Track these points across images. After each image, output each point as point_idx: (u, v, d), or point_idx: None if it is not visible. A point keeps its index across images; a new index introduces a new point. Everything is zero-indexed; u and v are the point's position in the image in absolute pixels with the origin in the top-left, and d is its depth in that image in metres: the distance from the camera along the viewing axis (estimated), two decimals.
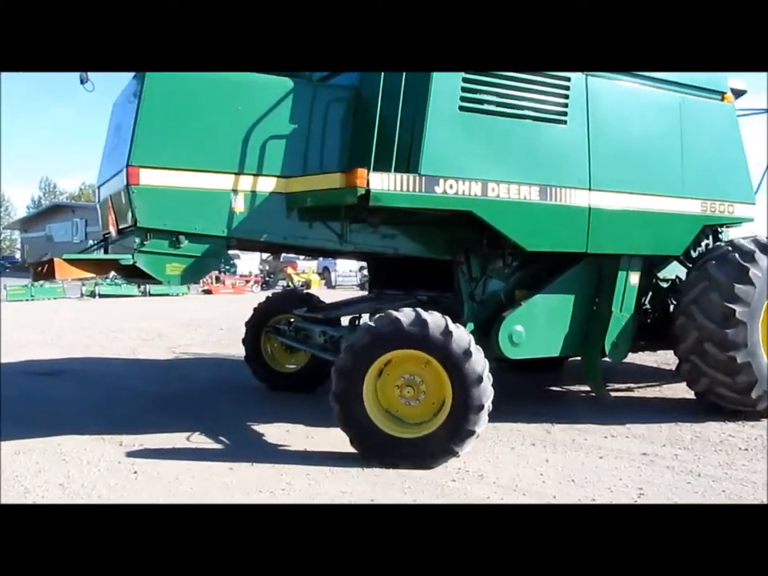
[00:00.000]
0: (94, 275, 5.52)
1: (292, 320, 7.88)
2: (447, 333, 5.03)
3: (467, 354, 5.01)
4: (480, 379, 5.00)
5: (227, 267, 7.28)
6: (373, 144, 5.37)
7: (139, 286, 28.74)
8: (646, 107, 6.38)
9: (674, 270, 7.16)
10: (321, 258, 40.03)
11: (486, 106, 5.63)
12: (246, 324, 8.27)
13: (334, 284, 35.46)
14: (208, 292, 30.47)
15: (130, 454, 5.50)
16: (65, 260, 5.21)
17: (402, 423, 5.27)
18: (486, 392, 5.03)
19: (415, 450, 5.09)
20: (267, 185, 5.57)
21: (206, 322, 16.80)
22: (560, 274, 6.33)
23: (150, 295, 28.73)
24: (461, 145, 5.58)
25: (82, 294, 26.76)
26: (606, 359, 6.50)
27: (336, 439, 5.51)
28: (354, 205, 5.41)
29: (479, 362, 5.05)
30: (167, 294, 28.97)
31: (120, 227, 5.76)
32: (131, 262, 5.28)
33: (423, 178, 5.40)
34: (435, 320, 5.08)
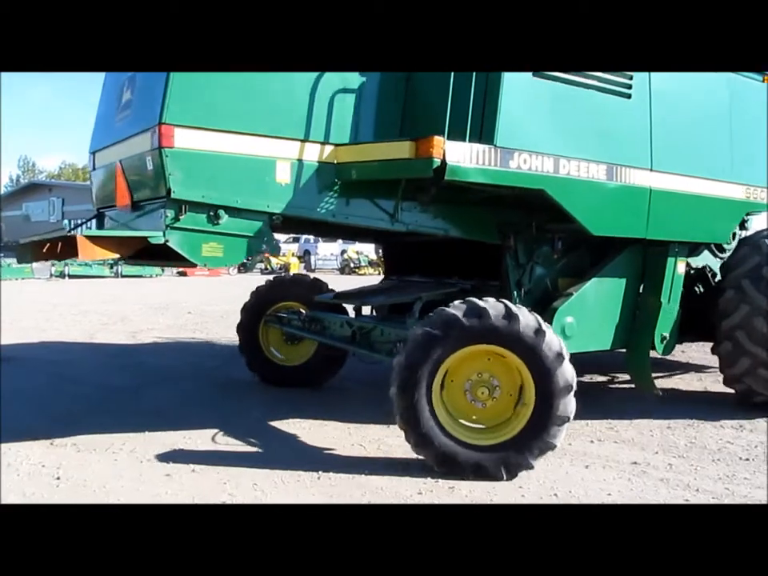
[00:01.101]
0: (117, 255, 4.61)
1: (297, 308, 7.07)
2: (539, 332, 4.44)
3: (559, 358, 4.45)
4: (569, 388, 4.46)
5: (271, 249, 6.40)
6: (447, 109, 4.67)
7: (112, 267, 27.96)
8: (700, 84, 5.88)
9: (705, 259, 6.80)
10: (302, 241, 39.59)
11: (556, 73, 5.02)
12: (243, 309, 7.35)
13: (313, 267, 35.09)
14: (183, 274, 29.75)
15: (58, 457, 4.86)
16: (87, 237, 4.35)
17: (471, 429, 4.64)
18: (572, 403, 4.48)
19: (488, 459, 4.47)
20: (316, 153, 4.90)
21: (175, 305, 16.14)
22: (604, 261, 5.85)
23: (123, 276, 28.00)
24: (533, 114, 5.02)
25: (51, 275, 25.96)
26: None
27: (286, 439, 4.90)
28: (418, 179, 4.84)
29: (569, 369, 4.49)
30: (140, 276, 28.25)
31: (135, 199, 4.99)
32: (162, 241, 4.49)
33: (498, 150, 4.80)
34: (525, 316, 4.48)
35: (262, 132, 4.71)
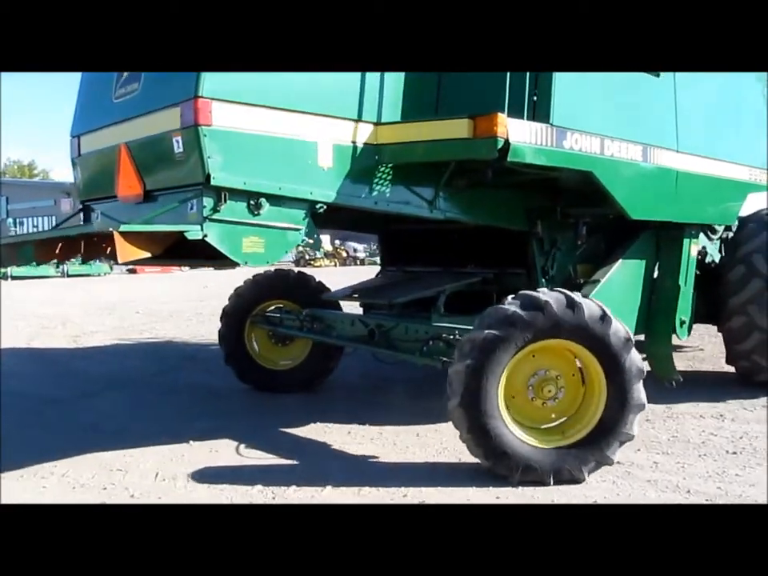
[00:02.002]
0: (149, 254, 3.93)
1: (286, 306, 6.52)
2: (605, 320, 4.10)
3: (627, 344, 4.13)
4: (641, 373, 4.15)
5: (311, 242, 5.53)
6: (506, 83, 4.30)
7: (58, 266, 26.87)
8: None
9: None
10: None
11: None
12: (225, 315, 6.58)
13: None
14: (133, 271, 28.83)
15: None
16: (124, 234, 3.69)
17: (542, 432, 4.27)
18: (644, 390, 4.19)
19: (564, 461, 4.10)
20: (357, 133, 4.43)
21: (122, 305, 15.45)
22: (623, 247, 5.62)
23: (69, 276, 26.98)
24: (579, 91, 4.70)
25: None
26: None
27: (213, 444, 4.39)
28: (472, 161, 4.47)
29: (637, 354, 4.19)
30: (88, 275, 27.29)
31: (148, 188, 4.37)
32: (200, 236, 3.90)
33: (554, 129, 4.48)
34: (588, 305, 4.14)
35: (305, 109, 4.22)
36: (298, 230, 4.31)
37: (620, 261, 5.50)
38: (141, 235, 3.82)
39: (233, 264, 4.27)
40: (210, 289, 19.83)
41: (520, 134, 4.29)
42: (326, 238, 42.43)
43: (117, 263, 4.13)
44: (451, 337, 4.81)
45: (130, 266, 28.62)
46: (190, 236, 3.86)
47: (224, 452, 4.82)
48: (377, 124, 4.49)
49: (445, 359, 4.61)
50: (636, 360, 4.14)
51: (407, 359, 5.28)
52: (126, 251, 3.73)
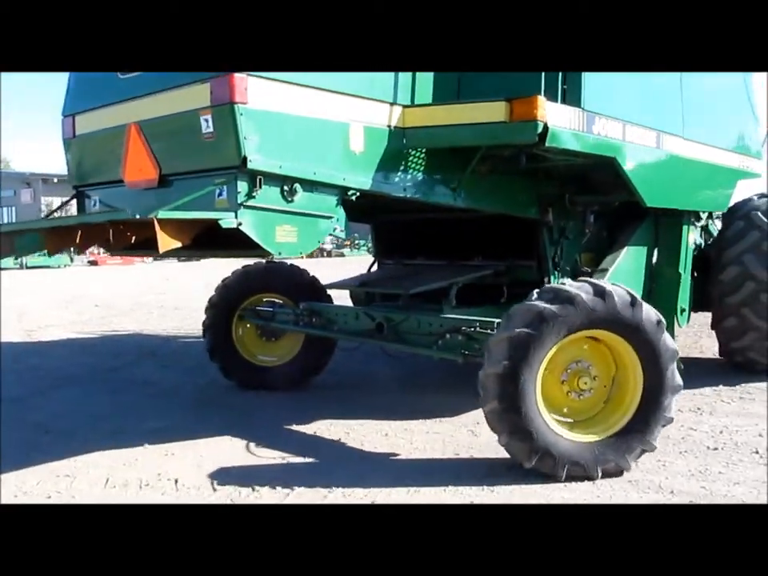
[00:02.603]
0: (180, 244, 3.60)
1: (278, 300, 6.24)
2: (636, 305, 3.98)
3: (660, 326, 4.03)
4: (675, 353, 4.06)
5: (341, 231, 5.27)
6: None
7: (16, 258, 26.08)
8: None
9: None
10: None
11: None
12: (211, 306, 6.20)
13: None
14: (94, 263, 28.15)
15: None
16: (163, 221, 3.42)
17: (577, 425, 4.13)
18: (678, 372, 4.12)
19: (607, 452, 3.98)
20: (386, 115, 4.24)
21: (81, 297, 14.98)
22: (626, 235, 5.58)
23: (28, 268, 26.22)
24: (605, 75, 4.56)
25: None
26: None
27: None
28: (503, 146, 4.37)
29: (669, 336, 4.10)
30: (47, 266, 26.53)
31: (164, 172, 4.06)
32: (235, 224, 3.64)
33: (585, 114, 4.38)
34: (618, 292, 4.00)
35: (338, 88, 4.01)
36: (330, 218, 4.12)
37: (625, 249, 5.43)
38: (177, 223, 3.52)
39: (264, 254, 4.02)
40: (173, 281, 19.33)
41: (557, 118, 4.16)
42: None
43: (156, 254, 3.67)
44: (470, 329, 4.60)
45: (91, 258, 28.03)
46: (224, 224, 3.61)
47: (179, 454, 4.52)
48: (405, 106, 4.30)
49: (466, 353, 4.51)
50: (669, 341, 4.05)
51: (420, 353, 5.14)
52: (165, 240, 3.46)
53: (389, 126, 4.25)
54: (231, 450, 4.57)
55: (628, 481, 3.97)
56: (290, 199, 3.89)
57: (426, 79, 4.41)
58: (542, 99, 4.04)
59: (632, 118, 4.79)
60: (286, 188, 3.87)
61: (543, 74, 4.19)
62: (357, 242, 41.03)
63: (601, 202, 5.48)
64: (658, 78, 5.06)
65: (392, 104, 4.25)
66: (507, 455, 4.03)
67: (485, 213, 5.07)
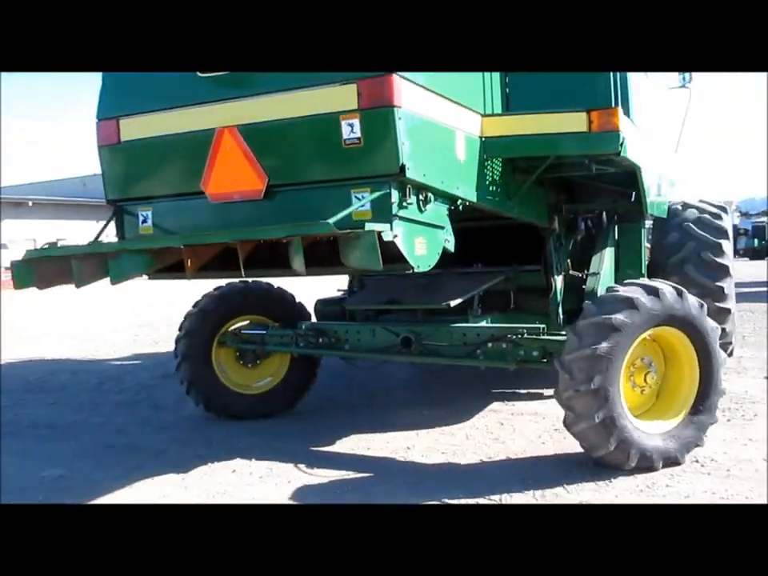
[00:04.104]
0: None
1: (263, 322, 5.78)
2: (683, 297, 4.19)
3: (703, 309, 4.26)
4: (718, 330, 4.34)
5: (449, 242, 3.92)
6: (610, 77, 4.39)
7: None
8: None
9: None
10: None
11: None
12: (186, 334, 5.64)
13: None
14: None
15: None
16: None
17: (644, 417, 4.28)
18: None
19: (669, 444, 4.16)
20: (476, 124, 4.19)
21: None
22: (599, 238, 5.78)
23: None
24: (636, 90, 4.82)
25: None
26: None
27: None
28: (575, 156, 4.50)
29: (708, 317, 4.33)
30: None
31: (274, 182, 3.72)
32: (392, 237, 3.36)
33: (635, 127, 4.64)
34: (666, 288, 4.19)
35: (452, 96, 3.91)
36: (443, 228, 3.97)
37: (601, 253, 5.59)
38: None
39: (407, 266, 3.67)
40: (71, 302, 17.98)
41: (626, 130, 4.25)
42: None
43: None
44: (515, 336, 4.59)
45: None
46: (385, 237, 3.32)
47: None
48: (484, 115, 4.26)
49: (519, 360, 4.56)
50: (711, 321, 4.29)
51: (459, 364, 5.07)
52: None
53: (477, 135, 4.21)
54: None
55: (579, 502, 3.79)
56: (423, 209, 3.73)
57: (496, 86, 4.43)
58: (620, 110, 4.15)
59: (646, 130, 5.10)
60: (421, 197, 3.70)
61: (613, 87, 4.39)
62: None
63: (589, 209, 5.75)
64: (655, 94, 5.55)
65: (477, 113, 4.22)
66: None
67: (504, 221, 5.04)
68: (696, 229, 6.30)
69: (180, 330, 5.74)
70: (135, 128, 4.11)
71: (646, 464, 4.06)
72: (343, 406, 6.13)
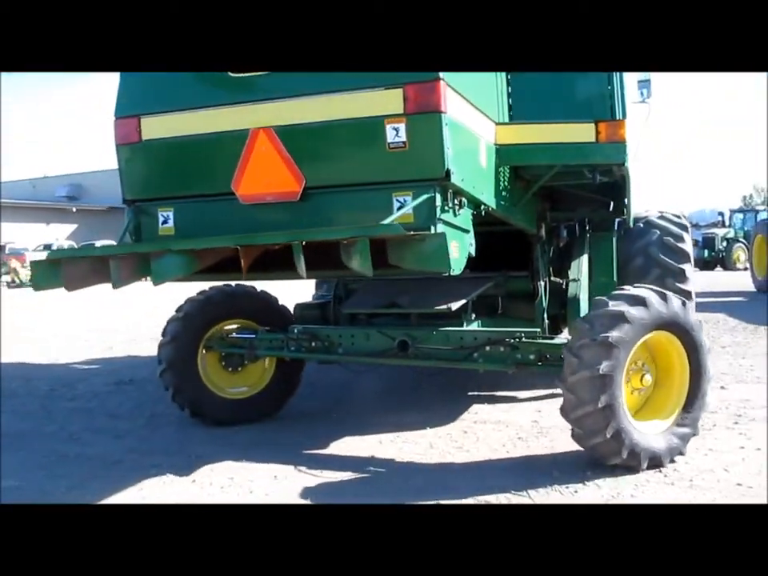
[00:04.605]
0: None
1: (249, 326, 5.71)
2: (686, 307, 4.35)
3: (699, 325, 4.40)
4: (708, 347, 4.45)
5: (473, 246, 4.30)
6: (614, 89, 4.44)
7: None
8: None
9: None
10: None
11: None
12: (170, 339, 5.49)
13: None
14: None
15: None
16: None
17: (644, 419, 4.41)
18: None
19: (671, 440, 4.33)
20: (492, 132, 4.31)
21: None
22: (575, 246, 5.99)
23: None
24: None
25: None
26: None
27: None
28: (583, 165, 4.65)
29: (692, 312, 4.46)
30: None
31: (312, 184, 3.76)
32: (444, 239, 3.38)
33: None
34: (673, 295, 4.36)
35: (478, 104, 4.04)
36: (469, 233, 4.11)
37: (578, 260, 5.77)
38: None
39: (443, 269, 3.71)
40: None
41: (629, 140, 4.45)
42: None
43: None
44: (513, 340, 4.63)
45: None
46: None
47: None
48: (497, 124, 4.37)
49: (518, 362, 4.62)
50: (705, 337, 4.40)
51: (457, 367, 5.12)
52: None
53: (493, 143, 4.33)
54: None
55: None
56: (457, 214, 3.83)
57: (504, 95, 4.53)
58: (626, 122, 4.33)
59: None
60: (456, 202, 3.79)
61: (618, 95, 4.44)
62: None
63: (570, 217, 5.95)
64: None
65: (492, 121, 4.33)
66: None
67: (491, 227, 5.02)
68: (660, 254, 6.30)
69: (164, 335, 5.61)
70: (158, 127, 4.06)
71: (636, 459, 4.15)
72: (305, 414, 6.00)
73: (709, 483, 4.07)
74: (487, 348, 4.69)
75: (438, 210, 3.60)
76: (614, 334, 3.98)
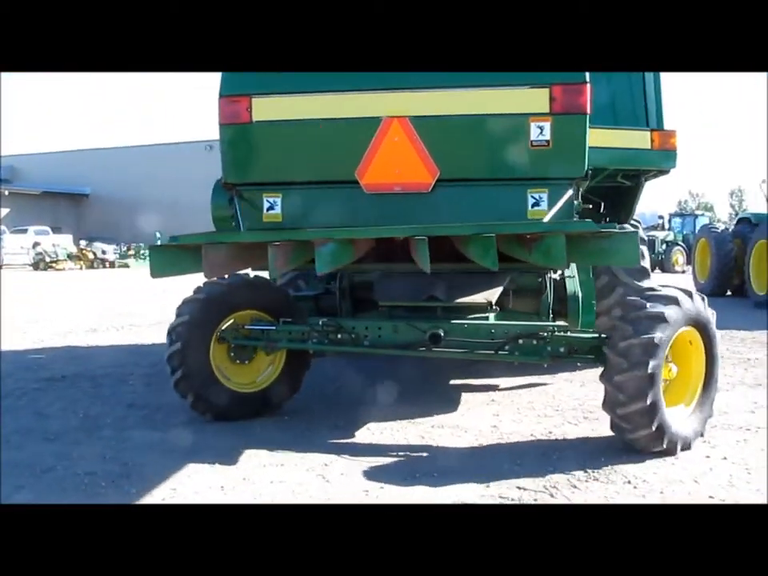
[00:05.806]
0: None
1: (262, 318, 5.40)
2: (705, 302, 4.65)
3: (713, 316, 4.70)
4: (712, 318, 4.71)
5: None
6: (648, 99, 4.84)
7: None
8: None
9: None
10: None
11: None
12: (186, 323, 5.18)
13: (1, 263, 30.91)
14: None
15: None
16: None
17: (674, 405, 4.66)
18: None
19: (694, 424, 4.63)
20: None
21: None
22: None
23: None
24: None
25: None
26: None
27: None
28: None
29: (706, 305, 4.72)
30: None
31: (445, 176, 3.82)
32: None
33: None
34: (694, 293, 4.66)
35: None
36: None
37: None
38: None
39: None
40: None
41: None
42: (68, 238, 38.68)
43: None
44: (545, 334, 4.73)
45: None
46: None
47: None
48: None
49: (552, 355, 4.70)
50: (707, 311, 4.62)
51: (490, 359, 5.23)
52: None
53: None
54: None
55: None
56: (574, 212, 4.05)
57: None
58: (677, 132, 4.66)
59: None
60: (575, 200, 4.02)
61: (655, 105, 4.84)
62: (142, 251, 38.37)
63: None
64: None
65: None
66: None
67: None
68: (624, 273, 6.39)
69: (179, 315, 5.26)
70: (273, 108, 3.94)
71: (674, 446, 4.47)
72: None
73: (680, 495, 3.92)
74: (520, 341, 4.74)
75: (575, 206, 3.84)
76: (657, 335, 4.26)
